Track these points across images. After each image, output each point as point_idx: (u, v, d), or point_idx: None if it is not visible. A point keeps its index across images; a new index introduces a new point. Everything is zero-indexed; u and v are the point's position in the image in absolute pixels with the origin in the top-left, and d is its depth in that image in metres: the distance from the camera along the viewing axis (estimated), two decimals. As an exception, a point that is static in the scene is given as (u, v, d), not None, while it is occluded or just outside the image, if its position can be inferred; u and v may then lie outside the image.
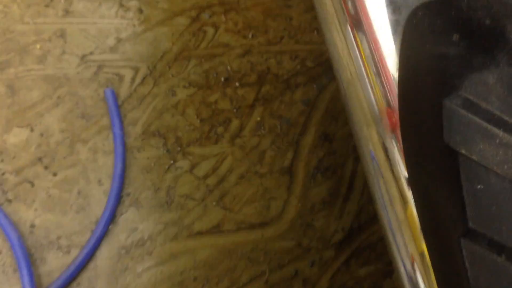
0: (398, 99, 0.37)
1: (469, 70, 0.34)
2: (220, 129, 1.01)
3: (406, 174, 0.46)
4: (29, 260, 0.85)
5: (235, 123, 1.02)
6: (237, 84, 1.05)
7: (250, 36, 1.10)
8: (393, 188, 0.47)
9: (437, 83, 0.35)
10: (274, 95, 1.07)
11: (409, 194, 0.46)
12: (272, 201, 0.99)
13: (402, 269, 0.48)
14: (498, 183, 0.32)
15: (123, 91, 0.99)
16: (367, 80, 0.51)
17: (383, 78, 0.50)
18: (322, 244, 0.99)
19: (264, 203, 0.99)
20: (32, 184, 0.91)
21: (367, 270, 1.01)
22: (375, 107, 0.50)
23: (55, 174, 0.92)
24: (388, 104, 0.49)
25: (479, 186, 0.33)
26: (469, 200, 0.33)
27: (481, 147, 0.33)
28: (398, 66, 0.38)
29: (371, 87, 0.51)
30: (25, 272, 0.83)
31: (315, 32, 1.15)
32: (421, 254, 0.42)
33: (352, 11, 0.54)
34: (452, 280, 0.32)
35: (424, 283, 0.44)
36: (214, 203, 0.96)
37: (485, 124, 0.33)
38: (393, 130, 0.48)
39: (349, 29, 0.54)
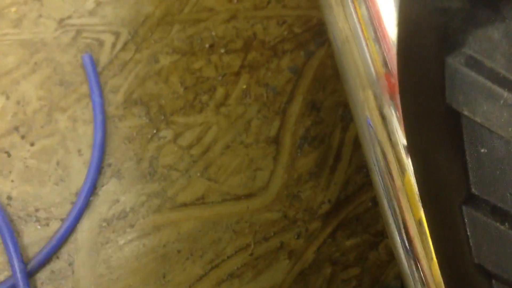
0: (397, 57, 0.34)
1: (473, 25, 0.31)
2: (204, 98, 0.98)
3: (404, 141, 0.44)
4: (12, 230, 0.82)
5: (220, 91, 0.99)
6: (222, 50, 1.02)
7: (235, 0, 1.06)
8: (390, 156, 0.45)
9: (439, 39, 0.32)
10: (260, 62, 1.03)
11: (407, 161, 0.44)
12: (258, 172, 0.97)
13: (396, 237, 0.46)
14: (502, 147, 0.30)
15: (103, 57, 0.95)
16: (364, 44, 0.49)
17: (381, 41, 0.47)
18: (309, 216, 0.98)
19: (249, 174, 0.96)
20: (9, 154, 0.87)
21: (354, 241, 1.00)
22: (373, 72, 0.48)
23: (32, 144, 0.88)
24: (387, 69, 0.47)
25: (482, 150, 0.30)
26: (472, 165, 0.30)
27: (485, 108, 0.30)
28: (397, 22, 0.35)
29: (369, 51, 0.49)
30: (9, 243, 0.80)
31: (303, -3, 1.11)
32: (419, 222, 0.41)
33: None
34: (453, 249, 0.30)
35: (420, 251, 0.42)
36: (198, 174, 0.93)
37: (489, 83, 0.31)
38: (391, 96, 0.46)
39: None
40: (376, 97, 0.48)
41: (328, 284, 0.96)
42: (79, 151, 0.89)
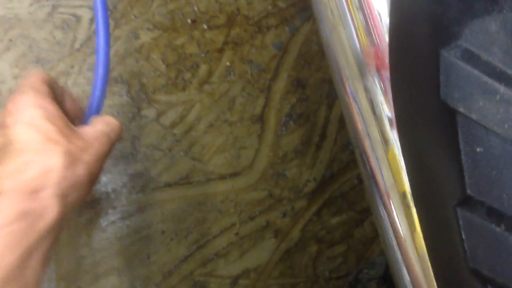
0: (389, 49, 0.33)
1: (469, 16, 0.29)
2: (187, 75, 0.95)
3: (388, 114, 0.44)
4: None
5: (203, 68, 0.96)
6: (205, 26, 0.99)
7: (218, -26, 1.02)
8: (374, 129, 0.45)
9: (434, 30, 0.31)
10: (244, 38, 1.01)
11: (391, 135, 0.43)
12: (242, 150, 0.95)
13: (381, 211, 0.46)
14: (498, 145, 0.29)
15: (81, 33, 0.91)
16: (349, 18, 0.47)
17: (367, 14, 0.46)
18: (294, 194, 0.97)
19: (234, 152, 0.95)
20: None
21: (339, 219, 1.00)
22: (358, 45, 0.47)
23: (9, 125, 0.85)
24: (372, 42, 0.45)
25: (478, 149, 0.29)
26: (468, 165, 0.29)
27: (481, 104, 0.29)
28: (389, 12, 0.33)
29: (354, 26, 0.47)
30: None
31: (288, -30, 1.08)
32: (403, 194, 0.40)
33: None
34: (447, 252, 0.29)
35: (403, 223, 0.42)
36: (182, 153, 0.91)
37: (485, 78, 0.29)
38: (377, 69, 0.44)
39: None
40: (360, 70, 0.47)
41: (314, 262, 0.96)
42: (58, 131, 0.86)
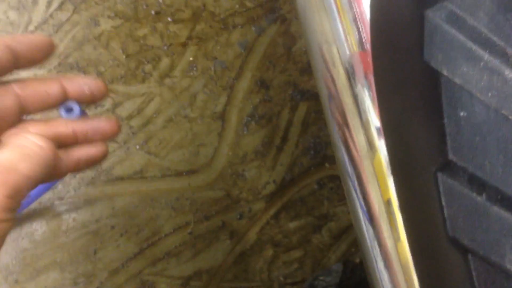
0: (371, 7, 0.30)
1: (456, -24, 0.28)
2: (148, 67, 0.91)
3: (376, 122, 0.42)
4: None
5: (165, 61, 0.93)
6: (169, 19, 0.96)
7: (186, -33, 1.00)
8: (360, 136, 0.43)
9: (419, -10, 0.29)
10: (209, 34, 0.98)
11: (378, 143, 0.42)
12: (201, 147, 0.92)
13: (362, 219, 0.44)
14: (482, 112, 0.27)
15: (37, 15, 0.86)
16: (338, 20, 0.46)
17: (357, 17, 0.44)
18: (252, 196, 0.94)
19: (192, 149, 0.91)
20: None
21: (297, 223, 0.97)
22: (346, 49, 0.45)
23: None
24: (362, 47, 0.44)
25: (462, 113, 0.27)
26: (451, 128, 0.27)
27: (465, 69, 0.27)
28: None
29: (343, 29, 0.46)
30: None
31: (257, -30, 1.07)
32: (387, 202, 0.39)
33: None
34: (425, 220, 0.27)
35: (386, 231, 0.40)
36: (137, 147, 0.87)
37: (469, 43, 0.28)
38: (365, 75, 0.43)
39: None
40: (348, 74, 0.45)
41: (269, 266, 0.93)
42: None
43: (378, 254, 0.43)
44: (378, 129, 0.42)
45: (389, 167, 0.33)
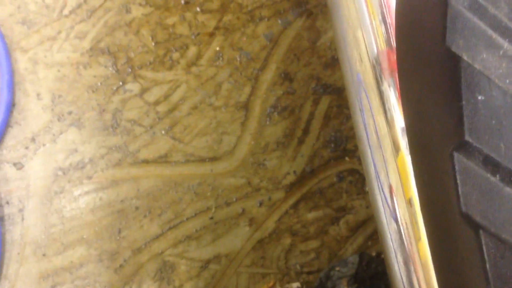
0: (396, -5, 0.32)
1: (479, -33, 0.29)
2: (175, 55, 0.94)
3: (401, 122, 0.43)
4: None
5: (192, 50, 0.95)
6: (198, 9, 0.98)
7: (216, -42, 1.02)
8: (385, 133, 0.44)
9: (443, -21, 0.30)
10: (236, 25, 1.00)
11: (402, 140, 0.43)
12: (224, 135, 0.94)
13: (383, 212, 0.45)
14: (500, 97, 0.28)
15: (72, 0, 0.89)
16: (367, 19, 0.47)
17: (386, 16, 0.45)
18: (272, 185, 0.96)
19: (216, 137, 0.93)
20: (-39, 91, 0.81)
21: (315, 214, 0.99)
22: (374, 48, 0.46)
23: (-12, 82, 0.83)
24: (389, 45, 0.45)
25: (480, 97, 0.29)
26: (468, 111, 0.29)
27: (484, 56, 0.29)
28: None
29: (372, 27, 0.47)
30: None
31: (286, -37, 1.08)
32: (409, 201, 0.40)
33: None
34: (439, 196, 0.29)
35: (408, 230, 0.41)
36: (163, 132, 0.90)
37: (490, 31, 0.29)
38: (391, 73, 0.44)
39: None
40: (375, 71, 0.46)
41: (286, 254, 0.95)
42: (38, 95, 0.84)
43: (399, 249, 0.44)
44: (402, 129, 0.43)
45: (408, 148, 0.34)
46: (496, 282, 0.27)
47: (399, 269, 0.44)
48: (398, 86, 0.35)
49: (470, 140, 0.28)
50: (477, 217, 0.28)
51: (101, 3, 0.92)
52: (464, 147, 0.28)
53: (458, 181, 0.28)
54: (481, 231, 0.27)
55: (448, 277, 0.29)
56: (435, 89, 0.30)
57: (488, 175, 0.28)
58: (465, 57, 0.29)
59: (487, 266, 0.26)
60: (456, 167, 0.28)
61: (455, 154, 0.28)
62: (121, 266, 0.83)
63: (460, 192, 0.28)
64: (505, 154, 0.28)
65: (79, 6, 0.90)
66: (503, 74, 0.29)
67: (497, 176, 0.28)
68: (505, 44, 0.29)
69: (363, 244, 0.97)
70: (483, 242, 0.27)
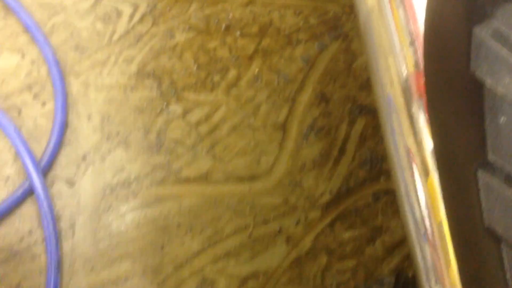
0: (425, 24, 0.35)
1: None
2: (216, 77, 0.98)
3: (430, 144, 0.44)
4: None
5: (232, 72, 0.99)
6: (237, 33, 1.02)
7: (255, -15, 1.06)
8: (415, 155, 0.46)
9: (468, 10, 0.33)
10: (274, 49, 1.04)
11: (431, 163, 0.44)
12: (263, 155, 0.97)
13: (415, 239, 0.46)
14: (522, 119, 0.30)
15: (121, 27, 0.95)
16: (397, 42, 0.49)
17: (415, 40, 0.47)
18: (309, 204, 0.98)
19: (254, 156, 0.97)
20: (19, 112, 0.87)
21: (351, 234, 1.00)
22: (403, 70, 0.48)
23: (43, 104, 0.89)
24: (417, 67, 0.47)
25: (502, 119, 0.31)
26: (491, 132, 0.31)
27: (507, 81, 0.31)
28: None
29: (401, 50, 0.49)
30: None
31: (322, -11, 1.12)
32: (439, 224, 0.41)
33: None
34: (464, 212, 0.31)
35: (439, 254, 0.42)
36: (204, 151, 0.94)
37: (513, 58, 0.31)
38: (420, 96, 0.46)
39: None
40: (404, 93, 0.48)
41: (322, 273, 0.96)
42: (89, 116, 0.89)
43: (431, 271, 0.45)
44: (431, 151, 0.44)
45: (436, 168, 0.36)
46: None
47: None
48: (426, 109, 0.38)
49: (493, 159, 0.30)
50: (499, 231, 0.30)
51: (147, 29, 0.97)
52: (487, 165, 0.31)
53: (482, 197, 0.30)
54: (503, 244, 0.29)
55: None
56: (461, 111, 0.32)
57: (510, 192, 0.30)
58: (488, 82, 0.31)
59: (507, 276, 0.28)
60: (480, 184, 0.30)
61: (479, 172, 0.30)
62: (163, 280, 0.87)
63: (483, 207, 0.30)
64: (526, 172, 0.30)
65: (127, 32, 0.95)
66: (524, 97, 0.30)
67: (518, 193, 0.30)
68: (527, 70, 0.31)
69: (399, 264, 0.98)
70: (504, 254, 0.29)
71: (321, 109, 1.03)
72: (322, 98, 1.04)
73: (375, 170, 1.00)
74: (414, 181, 0.46)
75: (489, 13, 0.31)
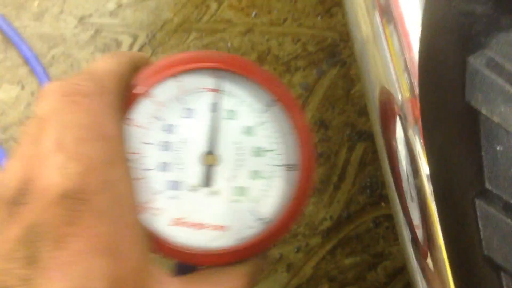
0: (419, 54, 0.35)
1: (496, 29, 0.32)
2: (215, 106, 0.99)
3: (426, 170, 0.44)
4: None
5: (231, 100, 1.00)
6: (236, 62, 1.03)
7: (253, 14, 1.08)
8: (411, 181, 0.46)
9: (462, 40, 0.33)
10: (272, 76, 1.05)
11: (428, 189, 0.44)
12: (262, 182, 0.97)
13: (412, 262, 0.46)
14: (517, 147, 0.31)
15: (120, 57, 0.96)
16: (392, 69, 0.50)
17: (409, 67, 0.48)
18: (309, 231, 0.98)
19: (254, 183, 0.97)
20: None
21: (352, 260, 1.00)
22: (399, 95, 0.49)
23: (43, 134, 0.89)
24: (413, 94, 0.47)
25: (498, 147, 0.31)
26: (488, 161, 0.31)
27: (502, 109, 0.31)
28: (421, 23, 0.36)
29: (396, 77, 0.50)
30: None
31: (319, 17, 1.13)
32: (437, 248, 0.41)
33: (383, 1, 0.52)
34: (463, 241, 0.31)
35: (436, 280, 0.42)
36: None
37: (507, 86, 0.32)
38: (416, 122, 0.46)
39: (378, 17, 0.52)
40: (400, 119, 0.48)
41: (324, 301, 0.96)
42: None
43: None
44: (428, 176, 0.44)
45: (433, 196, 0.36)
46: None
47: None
48: (422, 135, 0.38)
49: (490, 188, 0.30)
50: (498, 260, 0.29)
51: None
52: (484, 194, 0.31)
53: (480, 226, 0.30)
54: (502, 273, 0.29)
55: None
56: (457, 141, 0.32)
57: (508, 220, 0.30)
58: (483, 111, 0.31)
59: (508, 305, 0.28)
60: (478, 213, 0.30)
61: (477, 201, 0.30)
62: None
63: (482, 236, 0.30)
64: (523, 201, 0.30)
65: (126, 62, 0.96)
66: (520, 126, 0.31)
67: (517, 220, 0.30)
68: (522, 98, 0.31)
69: (401, 290, 0.97)
70: (504, 283, 0.29)
71: (320, 135, 1.03)
72: (321, 124, 1.04)
73: (375, 195, 0.99)
74: (410, 206, 0.46)
75: (483, 42, 0.32)
